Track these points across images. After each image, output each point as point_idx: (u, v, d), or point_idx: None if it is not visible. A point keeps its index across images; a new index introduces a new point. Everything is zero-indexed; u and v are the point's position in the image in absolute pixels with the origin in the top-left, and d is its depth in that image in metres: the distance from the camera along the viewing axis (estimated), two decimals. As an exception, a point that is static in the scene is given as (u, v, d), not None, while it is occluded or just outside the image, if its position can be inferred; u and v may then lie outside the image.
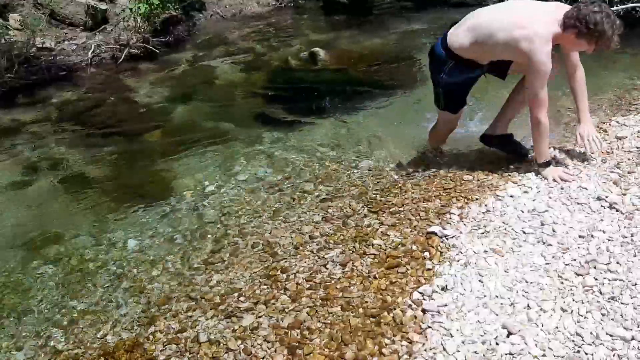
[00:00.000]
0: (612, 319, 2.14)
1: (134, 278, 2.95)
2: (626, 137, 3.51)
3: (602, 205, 2.83)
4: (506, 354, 2.07)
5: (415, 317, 2.35)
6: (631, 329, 2.08)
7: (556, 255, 2.54)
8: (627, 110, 4.03)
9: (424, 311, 2.37)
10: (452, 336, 2.21)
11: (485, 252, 2.65)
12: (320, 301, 2.55)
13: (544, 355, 2.04)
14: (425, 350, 2.18)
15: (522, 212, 2.89)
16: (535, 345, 2.09)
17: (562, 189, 3.02)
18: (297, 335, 2.38)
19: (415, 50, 6.40)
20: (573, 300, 2.26)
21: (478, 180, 3.31)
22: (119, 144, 4.65)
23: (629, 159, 3.23)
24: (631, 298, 2.21)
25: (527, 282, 2.41)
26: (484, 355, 2.09)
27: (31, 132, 4.95)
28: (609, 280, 2.33)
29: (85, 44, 6.79)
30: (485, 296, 2.38)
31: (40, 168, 4.29)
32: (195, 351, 2.38)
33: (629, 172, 3.09)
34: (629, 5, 5.60)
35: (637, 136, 3.50)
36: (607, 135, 3.62)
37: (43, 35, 6.64)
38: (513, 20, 2.99)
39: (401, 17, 7.87)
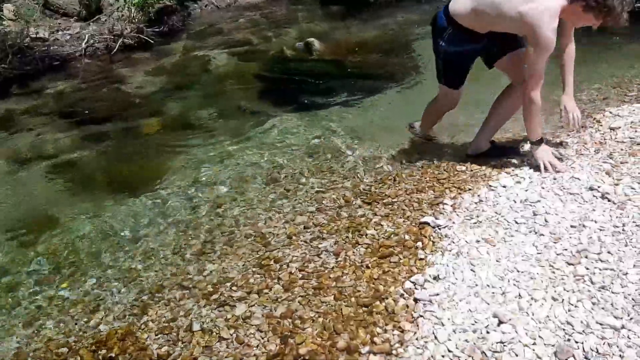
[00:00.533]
0: (603, 308, 2.15)
1: (126, 267, 2.94)
2: (619, 127, 3.51)
3: (594, 196, 2.84)
4: (497, 343, 2.08)
5: (407, 306, 2.37)
6: (621, 318, 2.08)
7: (548, 245, 2.54)
8: (621, 101, 4.04)
9: (416, 300, 2.38)
10: (443, 325, 2.22)
11: (478, 241, 2.66)
12: (313, 290, 2.56)
13: (534, 343, 2.05)
14: (417, 339, 2.19)
15: (515, 202, 2.90)
16: (526, 333, 2.10)
17: (554, 179, 3.03)
18: (290, 324, 2.39)
19: (411, 40, 6.40)
20: (564, 290, 2.27)
21: (471, 170, 3.32)
22: (114, 134, 4.64)
23: (621, 149, 3.24)
24: (622, 287, 2.22)
25: (518, 271, 2.42)
26: (475, 343, 2.10)
27: (25, 122, 4.94)
28: (600, 269, 2.34)
29: (79, 34, 6.76)
30: (476, 285, 2.38)
31: (33, 158, 4.28)
32: (187, 340, 2.39)
33: (621, 163, 3.10)
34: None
35: (630, 127, 3.51)
36: (601, 125, 3.63)
37: (37, 26, 6.62)
38: None
39: (397, 8, 7.85)
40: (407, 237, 2.82)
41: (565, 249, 2.49)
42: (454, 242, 2.70)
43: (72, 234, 3.28)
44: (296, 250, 2.87)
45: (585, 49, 5.24)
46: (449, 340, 2.14)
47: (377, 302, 2.42)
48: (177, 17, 7.54)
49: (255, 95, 5.32)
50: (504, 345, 2.07)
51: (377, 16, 7.55)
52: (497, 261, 2.51)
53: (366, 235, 2.90)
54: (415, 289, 2.45)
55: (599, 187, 2.88)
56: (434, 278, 2.48)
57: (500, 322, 2.17)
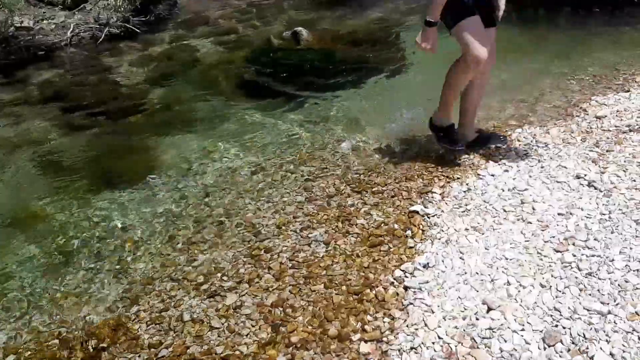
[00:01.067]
0: (590, 294, 2.18)
1: (117, 258, 2.93)
2: (605, 116, 3.55)
3: (581, 184, 2.87)
4: (486, 329, 2.11)
5: (397, 294, 2.39)
6: (608, 304, 2.12)
7: (536, 233, 2.58)
8: (607, 90, 4.08)
9: (405, 288, 2.41)
10: (433, 312, 2.24)
11: (466, 230, 2.69)
12: (303, 279, 2.58)
13: (523, 329, 2.08)
14: (407, 326, 2.21)
15: (503, 190, 2.93)
16: (515, 320, 2.13)
17: (542, 167, 3.06)
18: (281, 313, 2.40)
19: (400, 29, 6.39)
20: (552, 276, 2.31)
21: (460, 159, 3.34)
22: (101, 125, 4.60)
23: (607, 138, 3.28)
24: (608, 274, 2.26)
25: (507, 259, 2.45)
26: (464, 330, 2.13)
27: (10, 112, 4.89)
28: (587, 256, 2.37)
29: (64, 23, 6.68)
30: (465, 273, 2.41)
31: (20, 148, 4.23)
32: (179, 330, 2.40)
33: (607, 151, 3.14)
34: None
35: (616, 115, 3.55)
36: (587, 114, 3.66)
37: (21, 14, 6.53)
38: None
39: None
40: (396, 225, 2.84)
41: (553, 237, 2.53)
42: (443, 231, 2.72)
43: (59, 224, 3.25)
44: (286, 240, 2.88)
45: (570, 38, 5.31)
46: (439, 327, 2.17)
47: (368, 290, 2.44)
48: (163, 6, 7.48)
49: (241, 84, 5.29)
50: (493, 332, 2.10)
51: (365, 5, 7.52)
52: (485, 249, 2.53)
53: (356, 224, 2.92)
54: (405, 277, 2.47)
55: (585, 175, 2.91)
56: (424, 266, 2.50)
57: (489, 309, 2.20)
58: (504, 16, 3.06)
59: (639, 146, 3.13)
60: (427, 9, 2.87)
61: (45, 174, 3.93)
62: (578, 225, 2.58)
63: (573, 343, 2.00)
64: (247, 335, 2.31)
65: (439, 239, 2.67)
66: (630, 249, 2.35)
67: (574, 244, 2.46)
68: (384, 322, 2.26)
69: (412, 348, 2.11)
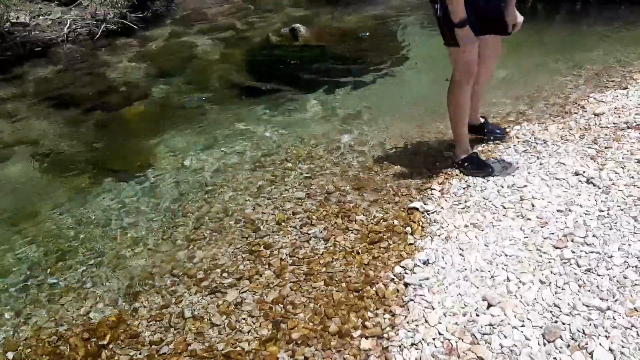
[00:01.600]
0: (589, 290, 2.20)
1: (116, 255, 2.93)
2: (603, 113, 3.56)
3: (579, 180, 2.88)
4: (486, 325, 2.12)
5: (398, 290, 2.40)
6: (607, 300, 2.13)
7: (535, 229, 2.59)
8: (605, 87, 4.08)
9: (406, 285, 2.41)
10: (433, 308, 2.25)
11: (466, 226, 2.70)
12: (303, 276, 2.58)
13: (522, 325, 2.10)
14: (407, 322, 2.22)
15: (502, 187, 2.94)
16: (515, 316, 2.14)
17: (541, 164, 3.07)
18: (281, 310, 2.41)
19: (398, 26, 6.38)
20: (551, 273, 2.32)
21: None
22: (98, 121, 4.59)
23: (605, 135, 3.29)
24: (607, 270, 2.27)
25: (506, 255, 2.46)
26: (464, 326, 2.14)
27: (7, 108, 4.87)
28: (586, 252, 2.39)
29: (60, 19, 6.64)
30: (465, 269, 2.42)
31: (17, 145, 4.23)
32: (180, 326, 2.40)
33: (605, 148, 3.15)
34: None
35: (614, 112, 3.56)
36: (585, 111, 3.67)
37: (17, 10, 6.49)
38: None
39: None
40: (396, 222, 2.85)
41: (552, 233, 2.54)
42: (442, 227, 2.73)
43: (58, 221, 3.25)
44: (286, 236, 2.89)
45: (569, 36, 5.32)
46: (440, 323, 2.18)
47: (368, 287, 2.45)
48: (160, 2, 7.44)
49: (239, 81, 5.28)
50: (493, 328, 2.11)
51: (363, 2, 7.51)
52: (485, 245, 2.54)
53: (355, 221, 2.92)
54: (405, 273, 2.48)
55: (584, 172, 2.93)
56: (424, 263, 2.51)
57: (489, 305, 2.21)
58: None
59: (636, 143, 3.14)
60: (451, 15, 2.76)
61: (43, 170, 3.92)
62: (577, 221, 2.59)
63: (572, 339, 2.01)
64: (248, 332, 2.32)
65: (439, 235, 2.68)
66: (629, 245, 2.37)
67: (572, 241, 2.47)
68: (384, 318, 2.27)
69: (412, 344, 2.12)
